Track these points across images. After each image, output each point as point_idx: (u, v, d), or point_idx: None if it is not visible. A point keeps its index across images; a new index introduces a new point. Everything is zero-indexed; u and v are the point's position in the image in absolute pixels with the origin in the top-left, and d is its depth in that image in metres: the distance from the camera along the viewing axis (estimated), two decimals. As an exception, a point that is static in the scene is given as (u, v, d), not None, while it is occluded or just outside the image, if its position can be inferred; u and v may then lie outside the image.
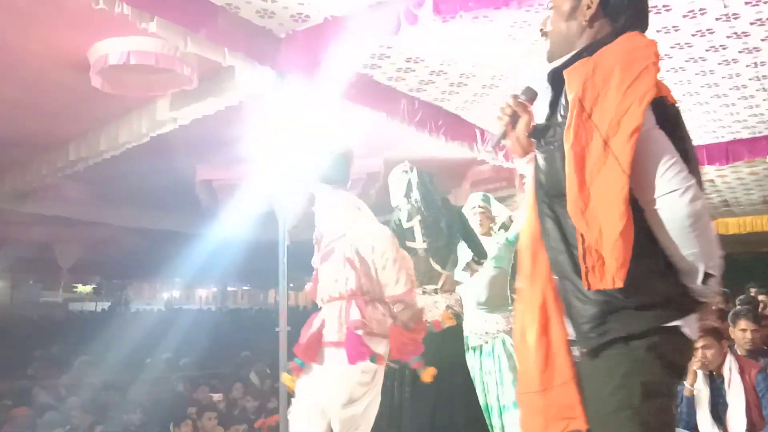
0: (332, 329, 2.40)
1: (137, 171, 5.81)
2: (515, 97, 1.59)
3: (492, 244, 3.89)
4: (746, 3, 3.19)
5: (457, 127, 4.88)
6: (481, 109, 4.75)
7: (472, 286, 3.82)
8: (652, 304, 1.34)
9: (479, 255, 3.48)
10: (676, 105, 1.41)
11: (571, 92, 1.37)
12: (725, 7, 3.20)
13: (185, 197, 6.33)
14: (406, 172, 3.30)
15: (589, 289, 1.34)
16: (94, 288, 23.96)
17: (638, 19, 1.50)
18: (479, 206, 3.95)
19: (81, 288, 24.14)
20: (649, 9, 1.56)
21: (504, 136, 1.62)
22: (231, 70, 3.63)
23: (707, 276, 1.34)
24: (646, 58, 1.33)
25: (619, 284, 1.29)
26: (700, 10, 3.19)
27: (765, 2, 3.18)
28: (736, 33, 3.50)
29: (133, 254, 11.35)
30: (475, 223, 3.92)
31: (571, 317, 1.42)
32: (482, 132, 5.15)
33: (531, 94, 1.57)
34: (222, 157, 5.52)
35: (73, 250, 9.74)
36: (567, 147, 1.36)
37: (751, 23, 3.39)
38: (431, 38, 3.55)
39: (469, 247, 3.45)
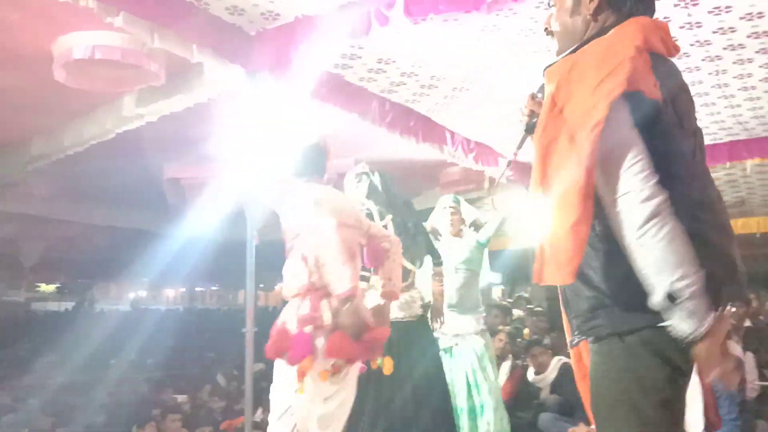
0: (291, 327, 2.38)
1: (103, 168, 5.70)
2: (532, 96, 1.60)
3: (462, 246, 3.92)
4: (709, 12, 3.27)
5: (428, 129, 4.90)
6: (451, 111, 4.78)
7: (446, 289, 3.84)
8: (636, 304, 1.28)
9: (436, 257, 3.51)
10: (656, 100, 1.30)
11: (548, 89, 1.38)
12: (689, 16, 3.29)
13: (152, 195, 6.23)
14: (367, 174, 3.32)
15: (537, 282, 1.33)
16: (57, 287, 23.39)
17: (643, 3, 1.46)
18: (450, 206, 3.99)
19: (44, 287, 23.53)
20: None
21: (525, 137, 1.64)
22: (200, 67, 3.58)
23: (673, 298, 1.21)
24: (624, 52, 1.31)
25: (569, 280, 1.27)
26: (665, 17, 3.27)
27: (728, 11, 3.27)
28: (698, 41, 3.60)
29: (99, 253, 11.13)
30: (445, 223, 3.98)
31: (568, 309, 1.45)
32: (452, 134, 5.19)
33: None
34: (190, 155, 5.44)
35: (36, 248, 9.50)
36: (535, 141, 1.37)
37: (714, 32, 3.49)
38: (402, 40, 3.56)
39: (428, 251, 3.49)
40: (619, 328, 1.32)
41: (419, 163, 5.97)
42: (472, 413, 3.72)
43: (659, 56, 1.39)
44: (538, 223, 1.34)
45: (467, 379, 3.76)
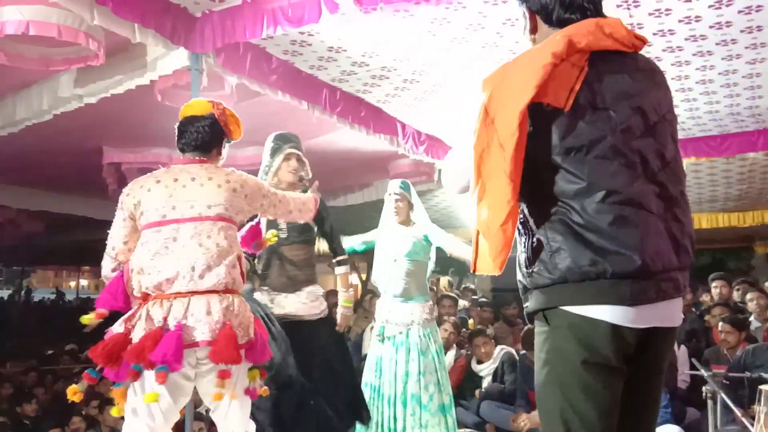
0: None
1: (38, 150, 5.43)
2: None
3: (407, 238, 3.79)
4: (650, 14, 3.38)
5: (379, 120, 4.89)
6: (402, 102, 4.79)
7: (387, 278, 3.79)
8: (544, 285, 1.44)
9: (338, 253, 3.35)
10: (560, 108, 1.39)
11: (481, 99, 1.46)
12: (630, 17, 3.39)
13: (91, 181, 6.00)
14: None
15: (473, 272, 1.52)
16: (-9, 274, 22.32)
17: (578, 11, 1.51)
18: (395, 193, 3.81)
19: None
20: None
21: None
22: (142, 48, 3.46)
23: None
24: (539, 60, 1.39)
25: (498, 271, 1.43)
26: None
27: (667, 14, 3.38)
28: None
29: (35, 239, 10.65)
30: (390, 210, 3.82)
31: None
32: (404, 126, 5.20)
33: None
34: (132, 139, 5.26)
35: (-34, 234, 9.01)
36: (471, 146, 1.46)
37: (654, 33, 3.60)
38: (353, 29, 3.54)
39: (328, 247, 3.36)
40: (533, 307, 1.49)
41: (369, 153, 5.96)
42: (405, 404, 3.59)
43: (603, 53, 1.45)
44: (474, 220, 1.48)
45: (404, 368, 3.63)
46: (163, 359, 1.96)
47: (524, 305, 1.55)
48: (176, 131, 2.33)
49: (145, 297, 2.12)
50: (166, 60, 3.50)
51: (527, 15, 1.59)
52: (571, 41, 1.41)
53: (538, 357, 1.49)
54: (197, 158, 2.30)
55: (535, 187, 1.44)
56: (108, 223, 2.30)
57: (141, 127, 4.92)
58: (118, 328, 2.11)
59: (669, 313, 1.47)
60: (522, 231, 1.50)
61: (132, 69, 3.65)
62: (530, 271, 1.47)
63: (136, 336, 2.05)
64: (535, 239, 1.46)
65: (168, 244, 2.12)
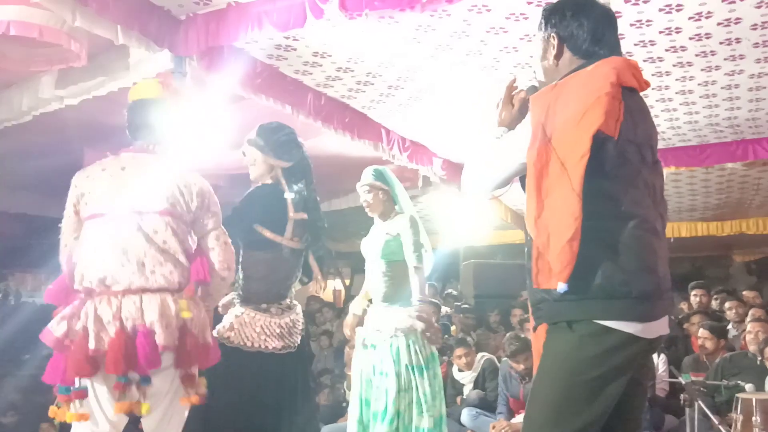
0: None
1: (19, 152, 5.36)
2: (511, 85, 1.80)
3: (381, 235, 3.33)
4: (631, 25, 3.43)
5: (364, 126, 4.91)
6: (387, 108, 4.80)
7: (370, 282, 3.46)
8: (572, 299, 1.53)
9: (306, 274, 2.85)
10: (611, 136, 1.51)
11: (533, 117, 1.56)
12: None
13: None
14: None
15: (536, 287, 1.58)
16: (-33, 278, 21.90)
17: (601, 44, 1.66)
18: (365, 184, 3.36)
19: (-48, 278, 21.99)
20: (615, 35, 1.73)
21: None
22: (125, 50, 3.44)
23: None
24: (600, 89, 1.49)
25: (562, 286, 1.50)
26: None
27: (648, 25, 3.43)
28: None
29: (14, 242, 10.49)
30: (363, 203, 3.41)
31: (530, 300, 1.70)
32: (388, 132, 5.22)
33: (532, 91, 1.72)
34: (114, 141, 5.20)
35: (-58, 236, 8.84)
36: (530, 163, 1.54)
37: (635, 44, 3.66)
38: (338, 34, 3.54)
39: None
40: (553, 319, 1.60)
41: (353, 159, 5.96)
42: (389, 422, 3.12)
43: (630, 90, 1.59)
44: (533, 232, 1.55)
45: (384, 382, 3.19)
46: (147, 369, 1.87)
47: (538, 312, 1.65)
48: (128, 116, 2.18)
49: (89, 292, 1.97)
50: (149, 62, 3.47)
51: (554, 41, 1.69)
52: (619, 77, 1.53)
53: (553, 353, 1.60)
54: (147, 146, 2.17)
55: None
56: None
57: (123, 129, 4.86)
58: (57, 327, 1.95)
59: (665, 325, 1.64)
60: None
61: (114, 71, 3.62)
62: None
63: (93, 339, 1.89)
64: None
65: (113, 236, 1.98)
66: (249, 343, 2.45)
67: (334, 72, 4.09)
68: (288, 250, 2.61)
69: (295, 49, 3.74)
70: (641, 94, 1.69)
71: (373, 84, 4.31)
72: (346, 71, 4.08)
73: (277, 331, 2.50)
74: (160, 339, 1.91)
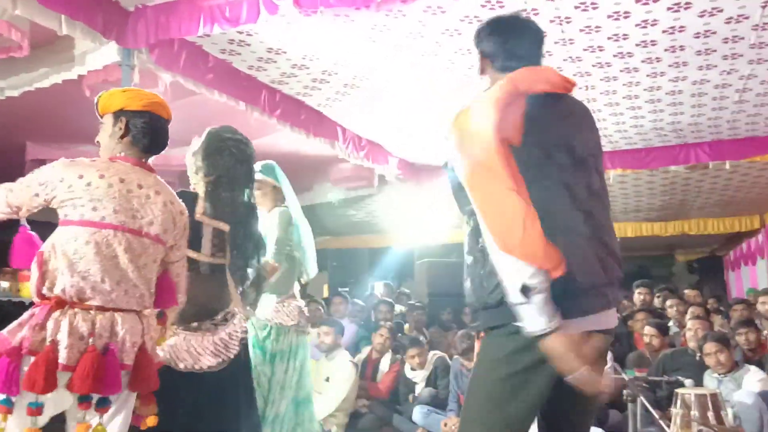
0: None
1: (-46, 144, 5.12)
2: None
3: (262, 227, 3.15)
4: (581, 30, 3.52)
5: (319, 124, 4.88)
6: (343, 107, 4.78)
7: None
8: (486, 307, 1.61)
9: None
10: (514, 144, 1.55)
11: (449, 139, 1.62)
12: (562, 32, 3.51)
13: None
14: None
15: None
16: None
17: (516, 59, 1.71)
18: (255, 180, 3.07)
19: None
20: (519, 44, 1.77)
21: None
22: (69, 41, 3.31)
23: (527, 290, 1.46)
24: (493, 101, 1.55)
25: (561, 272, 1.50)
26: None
27: (597, 31, 3.53)
28: (571, 57, 3.86)
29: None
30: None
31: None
32: (344, 130, 5.20)
33: None
34: (58, 135, 5.02)
35: None
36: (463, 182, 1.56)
37: (584, 49, 3.76)
38: (293, 31, 3.51)
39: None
40: (488, 324, 1.65)
41: (309, 157, 5.92)
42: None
43: (539, 95, 1.61)
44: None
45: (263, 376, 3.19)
46: (112, 390, 1.80)
47: (477, 321, 1.74)
48: (145, 126, 2.01)
49: (60, 302, 1.85)
50: (95, 54, 3.36)
51: (480, 58, 1.80)
52: (515, 85, 1.59)
53: (480, 357, 1.72)
54: (145, 162, 2.05)
55: None
56: (33, 223, 2.07)
57: (68, 123, 4.70)
58: (15, 334, 1.79)
59: (605, 320, 1.63)
60: (480, 256, 1.60)
61: (59, 62, 3.49)
62: (487, 291, 1.59)
63: (65, 353, 1.78)
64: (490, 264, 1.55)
65: (102, 251, 1.87)
66: (182, 365, 2.34)
67: (289, 69, 4.05)
68: (207, 267, 2.44)
69: (248, 45, 3.68)
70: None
71: (329, 82, 4.29)
72: (301, 68, 4.04)
73: (211, 348, 2.39)
74: (128, 359, 1.86)
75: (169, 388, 2.08)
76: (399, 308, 6.93)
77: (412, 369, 5.04)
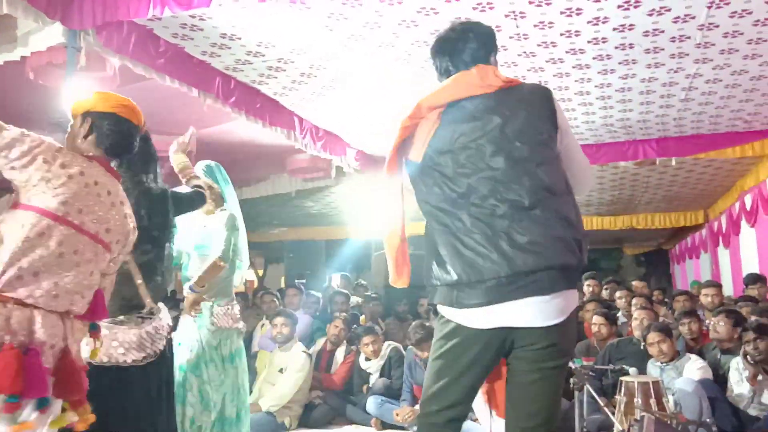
0: None
1: None
2: None
3: (198, 226, 3.36)
4: (534, 26, 3.57)
5: (276, 113, 4.81)
6: (300, 96, 4.73)
7: (186, 271, 3.42)
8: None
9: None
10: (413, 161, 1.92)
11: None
12: (517, 27, 3.55)
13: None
14: None
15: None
16: None
17: (444, 75, 2.00)
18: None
19: None
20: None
21: None
22: (11, 20, 3.17)
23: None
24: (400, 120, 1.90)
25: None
26: (497, 27, 3.50)
27: (550, 27, 3.59)
28: (525, 52, 3.92)
29: None
30: None
31: None
32: (301, 120, 5.15)
33: None
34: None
35: None
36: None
37: (538, 45, 3.81)
38: (248, 16, 3.44)
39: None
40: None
41: (265, 147, 5.84)
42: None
43: (465, 99, 1.86)
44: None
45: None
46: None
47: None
48: (109, 128, 1.94)
49: (18, 301, 1.68)
50: (39, 35, 3.22)
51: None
52: (419, 105, 1.89)
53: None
54: (114, 169, 1.98)
55: None
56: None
57: (10, 106, 4.50)
58: None
59: (519, 316, 1.72)
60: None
61: (0, 43, 3.33)
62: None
63: (49, 357, 1.68)
64: None
65: (50, 244, 1.73)
66: (106, 359, 2.26)
67: (243, 56, 3.98)
68: (131, 260, 2.35)
69: (201, 30, 3.60)
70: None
71: (285, 70, 4.23)
72: (256, 55, 3.98)
73: (136, 341, 2.34)
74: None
75: (92, 384, 1.96)
76: (356, 300, 6.93)
77: (367, 359, 5.06)
